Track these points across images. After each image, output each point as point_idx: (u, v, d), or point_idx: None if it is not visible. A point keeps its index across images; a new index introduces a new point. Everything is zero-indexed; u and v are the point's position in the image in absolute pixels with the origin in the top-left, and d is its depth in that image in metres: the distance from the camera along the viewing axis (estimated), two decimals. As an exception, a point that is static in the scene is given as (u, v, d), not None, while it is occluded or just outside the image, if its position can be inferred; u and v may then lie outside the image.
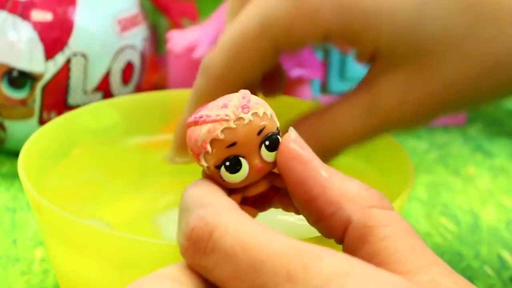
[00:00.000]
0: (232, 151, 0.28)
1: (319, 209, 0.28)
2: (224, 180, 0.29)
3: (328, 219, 0.27)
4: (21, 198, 0.51)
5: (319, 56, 0.61)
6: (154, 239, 0.31)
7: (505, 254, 0.47)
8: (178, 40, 0.57)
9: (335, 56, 0.62)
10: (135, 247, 0.31)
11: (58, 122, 0.42)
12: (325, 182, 0.28)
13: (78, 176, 0.42)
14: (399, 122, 0.35)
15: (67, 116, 0.43)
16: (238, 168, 0.28)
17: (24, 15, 0.51)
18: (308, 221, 0.29)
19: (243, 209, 0.29)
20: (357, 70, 0.62)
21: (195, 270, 0.26)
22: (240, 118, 0.28)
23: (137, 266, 0.32)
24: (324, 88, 0.63)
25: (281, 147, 0.29)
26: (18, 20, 0.51)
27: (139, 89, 0.57)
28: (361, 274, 0.23)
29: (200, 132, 0.28)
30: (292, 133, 0.29)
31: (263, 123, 0.29)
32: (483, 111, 0.68)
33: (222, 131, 0.28)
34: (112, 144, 0.45)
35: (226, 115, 0.28)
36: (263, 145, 0.28)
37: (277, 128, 0.29)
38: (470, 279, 0.45)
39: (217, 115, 0.28)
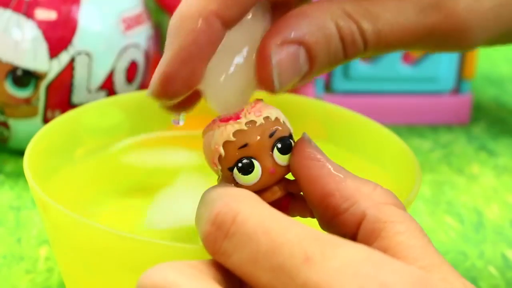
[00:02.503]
0: (245, 153, 0.29)
1: (335, 204, 0.28)
2: (237, 183, 0.29)
3: (343, 214, 0.28)
4: (26, 196, 0.51)
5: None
6: (157, 240, 0.31)
7: (509, 253, 0.47)
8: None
9: (339, 55, 0.62)
10: (139, 247, 0.32)
11: (62, 120, 0.42)
12: (340, 180, 0.28)
13: (82, 174, 0.42)
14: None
15: (71, 114, 0.43)
16: (250, 170, 0.29)
17: (29, 14, 0.51)
18: (321, 222, 0.29)
19: None
20: (361, 69, 0.62)
21: (216, 264, 0.26)
22: (251, 121, 0.29)
23: (141, 265, 0.32)
24: (328, 87, 0.63)
25: (296, 147, 0.29)
26: (22, 19, 0.51)
27: (143, 87, 0.57)
28: (378, 261, 0.24)
29: (213, 136, 0.29)
30: (305, 135, 0.29)
31: (275, 126, 0.29)
32: (487, 110, 0.68)
33: (234, 133, 0.29)
34: (115, 142, 0.45)
35: (238, 118, 0.29)
36: (275, 148, 0.29)
37: (290, 134, 0.30)
38: (474, 279, 0.45)
39: (229, 119, 0.29)
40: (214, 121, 0.30)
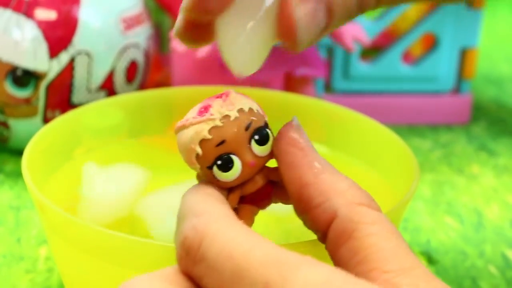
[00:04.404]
0: (222, 150, 0.28)
1: (308, 198, 0.28)
2: (218, 180, 0.28)
3: (315, 210, 0.27)
4: (25, 196, 0.51)
5: (323, 55, 0.61)
6: (154, 240, 0.31)
7: (509, 253, 0.47)
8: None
9: (339, 55, 0.62)
10: (136, 247, 0.32)
11: (62, 121, 0.42)
12: (317, 172, 0.28)
13: (81, 175, 0.42)
14: None
15: (71, 114, 0.43)
16: (230, 166, 0.28)
17: (29, 14, 0.51)
18: (296, 212, 0.29)
19: (242, 208, 0.29)
20: (361, 69, 0.62)
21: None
22: (226, 116, 0.28)
23: (140, 266, 0.32)
24: (328, 87, 0.63)
25: (281, 130, 0.29)
26: (22, 19, 0.51)
27: (143, 87, 0.57)
28: (339, 284, 0.23)
29: (188, 135, 0.28)
30: (294, 120, 0.29)
31: (250, 118, 0.29)
32: (487, 110, 0.68)
33: (209, 130, 0.28)
34: (115, 142, 0.45)
35: (212, 114, 0.28)
36: (252, 140, 0.28)
37: (265, 122, 0.29)
38: (474, 278, 0.45)
39: (203, 116, 0.28)
40: (187, 119, 0.29)
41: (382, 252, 0.26)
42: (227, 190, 0.29)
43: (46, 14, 0.51)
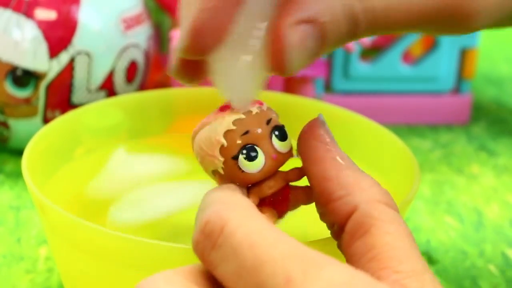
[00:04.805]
0: (246, 140, 0.29)
1: (330, 190, 0.28)
2: (242, 172, 0.29)
3: (336, 202, 0.28)
4: (25, 196, 0.51)
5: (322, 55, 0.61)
6: (155, 241, 0.31)
7: (510, 252, 0.47)
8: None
9: (338, 55, 0.62)
10: (137, 247, 0.32)
11: (62, 121, 0.42)
12: (341, 167, 0.28)
13: (81, 175, 0.42)
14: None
15: (71, 114, 0.43)
16: (255, 156, 0.29)
17: (28, 14, 0.51)
18: (317, 207, 0.29)
19: (262, 210, 0.30)
20: (361, 69, 0.62)
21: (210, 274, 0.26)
22: (247, 111, 0.29)
23: (140, 266, 0.32)
24: (328, 87, 0.63)
25: (308, 125, 0.29)
26: (22, 19, 0.51)
27: (143, 87, 0.57)
28: (360, 284, 0.23)
29: (211, 129, 0.29)
30: (321, 116, 0.30)
31: (270, 114, 0.29)
32: (487, 110, 0.68)
33: (234, 122, 0.29)
34: (115, 142, 0.45)
35: (234, 109, 0.29)
36: (273, 135, 0.29)
37: (282, 124, 0.30)
38: (475, 278, 0.45)
39: (225, 112, 0.29)
40: (208, 117, 0.29)
41: (396, 252, 0.26)
42: (247, 190, 0.29)
43: (46, 14, 0.51)
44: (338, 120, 0.44)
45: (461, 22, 0.30)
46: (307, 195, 0.30)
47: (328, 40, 0.29)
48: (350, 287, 0.23)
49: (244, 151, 0.29)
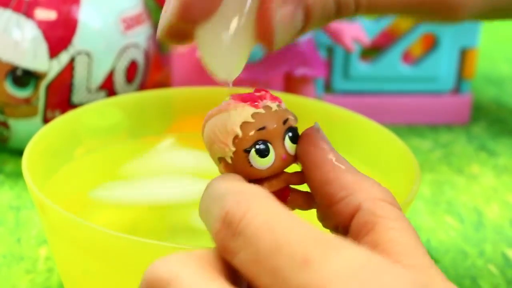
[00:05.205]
0: (261, 135, 0.29)
1: (332, 193, 0.28)
2: (251, 166, 0.29)
3: (339, 203, 0.28)
4: (25, 196, 0.51)
5: (323, 55, 0.61)
6: (156, 241, 0.31)
7: (510, 252, 0.47)
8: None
9: (339, 55, 0.62)
10: (137, 247, 0.32)
11: (62, 121, 0.42)
12: (341, 170, 0.28)
13: (81, 175, 0.42)
14: None
15: (71, 114, 0.43)
16: (266, 153, 0.29)
17: (29, 14, 0.51)
18: (319, 212, 0.29)
19: None
20: (361, 69, 0.62)
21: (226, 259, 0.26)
22: (267, 106, 0.29)
23: (139, 266, 0.32)
24: (328, 87, 0.63)
25: (305, 132, 0.29)
26: (22, 19, 0.51)
27: (143, 87, 0.57)
28: (379, 265, 0.23)
29: (228, 117, 0.29)
30: (316, 125, 0.30)
31: (287, 114, 0.29)
32: (487, 110, 0.68)
33: (252, 115, 0.29)
34: (115, 142, 0.45)
35: (255, 101, 0.29)
36: (287, 136, 0.29)
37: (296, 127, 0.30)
38: (474, 278, 0.45)
39: (245, 102, 0.29)
40: (228, 103, 0.29)
41: (401, 247, 0.26)
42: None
43: (46, 14, 0.51)
44: (338, 120, 0.44)
45: (447, 13, 0.31)
46: (306, 200, 0.30)
47: (313, 19, 0.30)
48: (367, 268, 0.23)
49: (257, 146, 0.29)
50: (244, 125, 0.28)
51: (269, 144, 0.29)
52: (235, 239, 0.25)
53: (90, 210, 0.40)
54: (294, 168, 0.30)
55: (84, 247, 0.34)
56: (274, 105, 0.29)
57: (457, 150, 0.61)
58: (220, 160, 0.29)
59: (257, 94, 0.30)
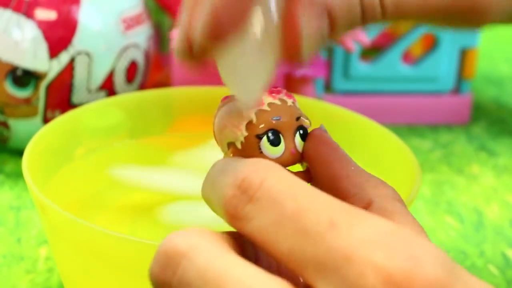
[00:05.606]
0: (275, 125, 0.29)
1: (344, 189, 0.28)
2: (261, 153, 0.29)
3: (351, 199, 0.28)
4: (25, 196, 0.51)
5: (323, 55, 0.61)
6: (155, 241, 0.31)
7: (510, 253, 0.47)
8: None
9: (339, 55, 0.62)
10: (137, 247, 0.32)
11: (62, 121, 0.42)
12: (352, 169, 0.29)
13: (81, 175, 0.42)
14: None
15: (71, 114, 0.43)
16: (278, 141, 0.29)
17: (29, 14, 0.51)
18: None
19: None
20: (361, 69, 0.62)
21: (234, 237, 0.26)
22: (283, 100, 0.29)
23: (139, 266, 0.32)
24: (328, 87, 0.63)
25: (313, 132, 0.30)
26: (22, 19, 0.51)
27: (143, 87, 0.57)
28: (407, 235, 0.23)
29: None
30: (322, 126, 0.30)
31: (300, 112, 0.30)
32: (487, 110, 0.68)
33: (269, 104, 0.29)
34: (115, 142, 0.45)
35: (272, 93, 0.29)
36: (297, 133, 0.29)
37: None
38: (475, 277, 0.45)
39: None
40: None
41: None
42: None
43: (46, 14, 0.51)
44: (338, 120, 0.44)
45: (473, 18, 0.31)
46: None
47: (338, 27, 0.30)
48: (395, 236, 0.23)
49: (270, 134, 0.29)
50: (259, 112, 0.29)
51: (280, 135, 0.29)
52: (252, 204, 0.25)
53: (90, 210, 0.40)
54: (296, 168, 0.30)
55: (84, 247, 0.34)
56: (289, 101, 0.29)
57: (457, 150, 0.61)
58: (229, 146, 0.29)
59: (274, 89, 0.30)
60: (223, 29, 0.28)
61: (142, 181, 0.43)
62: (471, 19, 0.31)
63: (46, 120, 0.53)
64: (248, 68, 0.29)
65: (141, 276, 0.28)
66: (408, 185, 0.37)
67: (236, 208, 0.25)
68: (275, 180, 0.25)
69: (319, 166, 0.29)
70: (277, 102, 0.29)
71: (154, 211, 0.40)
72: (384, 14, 0.30)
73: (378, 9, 0.30)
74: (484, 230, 0.50)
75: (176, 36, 0.29)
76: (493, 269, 0.46)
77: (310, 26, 0.28)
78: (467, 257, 0.47)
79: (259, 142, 0.29)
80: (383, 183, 0.29)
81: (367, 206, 0.28)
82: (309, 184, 0.30)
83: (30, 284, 0.42)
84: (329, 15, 0.29)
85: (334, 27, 0.30)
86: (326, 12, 0.29)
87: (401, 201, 0.28)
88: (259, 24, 0.29)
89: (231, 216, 0.25)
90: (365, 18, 0.30)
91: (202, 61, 0.30)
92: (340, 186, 0.28)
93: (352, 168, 0.29)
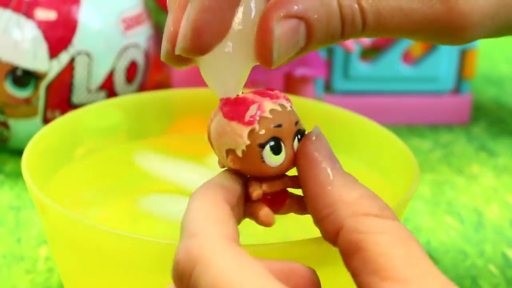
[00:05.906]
0: (276, 133, 0.28)
1: (316, 210, 0.28)
2: (263, 161, 0.28)
3: (323, 221, 0.28)
4: (25, 196, 0.51)
5: (323, 55, 0.61)
6: (156, 238, 0.31)
7: (510, 252, 0.47)
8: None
9: (339, 55, 0.62)
10: (137, 246, 0.32)
11: (62, 121, 0.42)
12: (326, 184, 0.28)
13: (81, 175, 0.42)
14: None
15: (71, 115, 0.43)
16: (279, 151, 0.28)
17: (29, 14, 0.51)
18: (313, 221, 0.29)
19: (259, 206, 0.29)
20: (361, 69, 0.62)
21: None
22: (283, 105, 0.29)
23: (140, 264, 0.32)
24: (328, 87, 0.63)
25: (300, 143, 0.29)
26: (22, 19, 0.51)
27: (143, 88, 0.57)
28: None
29: (248, 109, 0.28)
30: (315, 129, 0.29)
31: (298, 117, 0.29)
32: (487, 110, 0.68)
33: (270, 111, 0.28)
34: (115, 143, 0.45)
35: (273, 98, 0.29)
36: (296, 138, 0.29)
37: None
38: (475, 278, 0.45)
39: (263, 98, 0.29)
40: (246, 97, 0.29)
41: (393, 261, 0.26)
42: (249, 181, 0.29)
43: (46, 14, 0.51)
44: (338, 120, 0.44)
45: (455, 34, 0.30)
46: (301, 206, 0.30)
47: (315, 38, 0.29)
48: None
49: (273, 143, 0.28)
50: (261, 120, 0.28)
51: (281, 143, 0.29)
52: None
53: (90, 210, 0.40)
54: (292, 172, 0.30)
55: (84, 247, 0.34)
56: (288, 105, 0.29)
57: (457, 150, 0.61)
58: (228, 153, 0.29)
59: (271, 92, 0.30)
60: (204, 42, 0.28)
61: (142, 180, 0.43)
62: (455, 35, 0.30)
63: (46, 120, 0.53)
64: (225, 66, 0.29)
65: (140, 275, 0.29)
66: (407, 185, 0.37)
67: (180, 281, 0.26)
68: (204, 268, 0.25)
69: (301, 181, 0.29)
70: (278, 108, 0.29)
71: (154, 210, 0.40)
72: (365, 28, 0.30)
73: (358, 21, 0.29)
74: (484, 230, 0.50)
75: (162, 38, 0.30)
76: (493, 269, 0.46)
77: (282, 32, 0.28)
78: (467, 257, 0.47)
79: (261, 151, 0.28)
80: (361, 197, 0.28)
81: (338, 229, 0.27)
82: None
83: (30, 284, 0.42)
84: (306, 27, 0.29)
85: (311, 40, 0.29)
86: (304, 23, 0.29)
87: (381, 215, 0.27)
88: (237, 24, 0.29)
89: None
90: (345, 32, 0.30)
91: (184, 64, 0.30)
92: (315, 206, 0.28)
93: (330, 182, 0.28)
